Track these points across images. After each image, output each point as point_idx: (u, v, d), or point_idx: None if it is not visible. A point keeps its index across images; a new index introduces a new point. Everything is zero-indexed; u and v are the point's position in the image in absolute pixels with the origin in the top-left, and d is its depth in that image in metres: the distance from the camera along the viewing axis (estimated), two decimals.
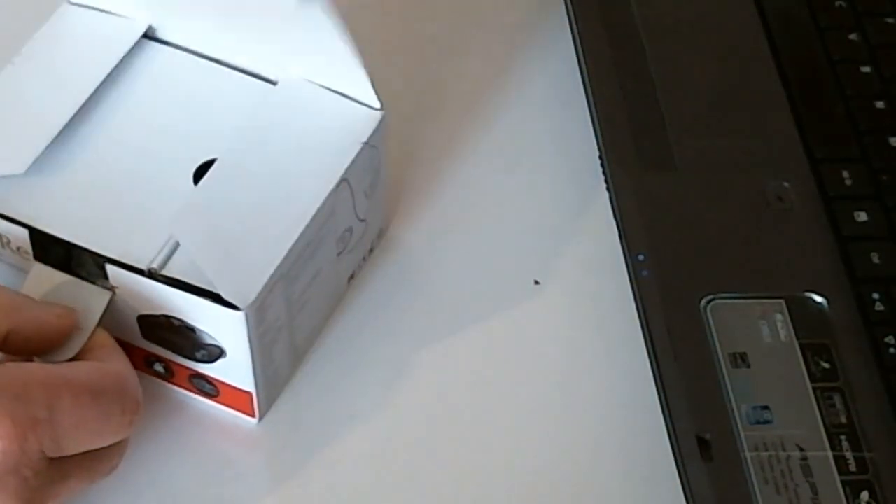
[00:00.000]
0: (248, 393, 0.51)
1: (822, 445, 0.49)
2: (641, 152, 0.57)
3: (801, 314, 0.53)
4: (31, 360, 0.47)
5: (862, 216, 0.56)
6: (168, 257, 0.48)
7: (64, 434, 0.44)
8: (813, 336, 0.52)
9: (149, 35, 0.54)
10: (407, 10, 0.65)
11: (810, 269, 0.54)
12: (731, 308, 0.53)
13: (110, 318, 0.49)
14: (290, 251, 0.48)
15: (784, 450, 0.49)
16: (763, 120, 0.59)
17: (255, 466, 0.52)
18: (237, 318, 0.47)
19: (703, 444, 0.49)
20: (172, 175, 0.51)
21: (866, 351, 0.52)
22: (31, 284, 0.49)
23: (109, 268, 0.48)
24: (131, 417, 0.46)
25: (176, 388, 0.52)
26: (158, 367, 0.52)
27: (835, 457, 0.49)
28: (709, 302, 0.53)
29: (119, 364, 0.47)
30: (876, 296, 0.53)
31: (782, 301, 0.53)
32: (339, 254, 0.53)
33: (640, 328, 0.52)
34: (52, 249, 0.49)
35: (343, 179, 0.50)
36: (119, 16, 0.54)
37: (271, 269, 0.47)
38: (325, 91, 0.52)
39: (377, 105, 0.52)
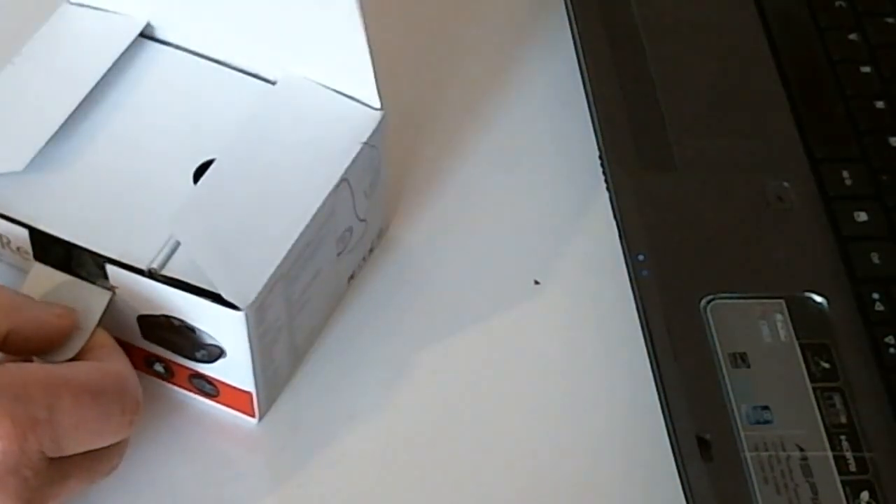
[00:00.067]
0: (248, 393, 0.51)
1: (822, 445, 0.49)
2: (641, 152, 0.57)
3: (801, 314, 0.53)
4: (31, 360, 0.47)
5: (862, 216, 0.56)
6: (168, 257, 0.48)
7: (64, 434, 0.44)
8: (813, 336, 0.52)
9: (148, 35, 0.54)
10: (407, 10, 0.65)
11: (810, 269, 0.54)
12: (731, 308, 0.53)
13: (110, 318, 0.49)
14: (290, 251, 0.48)
15: (784, 450, 0.49)
16: (763, 120, 0.59)
17: (255, 466, 0.52)
18: (237, 318, 0.47)
19: (703, 444, 0.49)
20: (172, 175, 0.51)
21: (866, 351, 0.52)
22: (31, 284, 0.49)
23: (109, 268, 0.48)
24: (131, 417, 0.46)
25: (176, 388, 0.52)
26: (158, 367, 0.52)
27: (835, 457, 0.49)
28: (709, 302, 0.53)
29: (119, 364, 0.47)
30: (876, 296, 0.53)
31: (782, 301, 0.53)
32: (339, 254, 0.53)
33: (640, 328, 0.52)
34: (52, 249, 0.49)
35: (343, 179, 0.50)
36: (119, 14, 0.54)
37: (271, 269, 0.47)
38: (325, 91, 0.52)
39: (377, 105, 0.52)
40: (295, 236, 0.48)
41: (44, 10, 0.55)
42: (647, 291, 0.53)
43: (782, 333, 0.52)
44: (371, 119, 0.52)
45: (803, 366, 0.51)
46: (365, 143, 0.51)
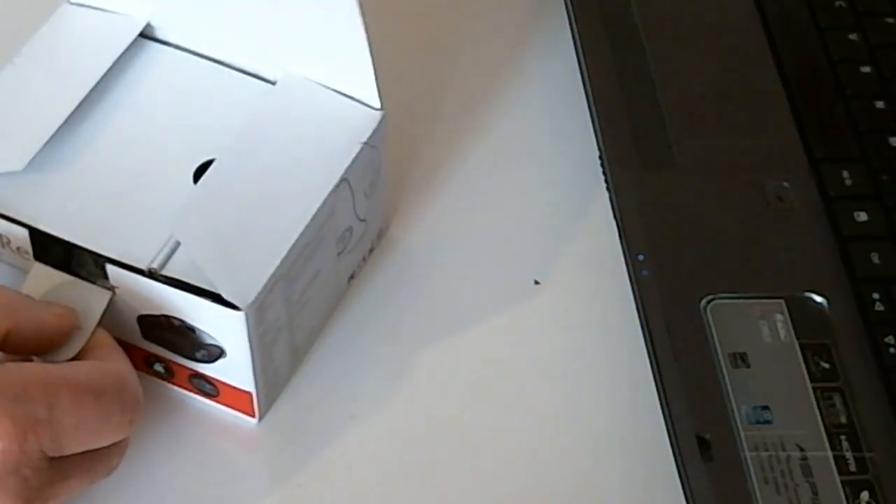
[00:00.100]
0: (248, 393, 0.51)
1: (822, 445, 0.49)
2: (641, 152, 0.57)
3: (801, 314, 0.53)
4: (31, 360, 0.47)
5: (862, 216, 0.56)
6: (168, 257, 0.48)
7: (64, 434, 0.44)
8: (813, 336, 0.52)
9: (148, 35, 0.54)
10: (407, 10, 0.65)
11: (810, 269, 0.54)
12: (731, 308, 0.53)
13: (110, 318, 0.49)
14: (289, 251, 0.48)
15: (784, 450, 0.49)
16: (763, 120, 0.59)
17: (255, 466, 0.52)
18: (237, 317, 0.47)
19: (703, 444, 0.49)
20: (172, 174, 0.51)
21: (866, 351, 0.52)
22: (31, 284, 0.49)
23: (109, 268, 0.48)
24: (131, 417, 0.46)
25: (176, 388, 0.52)
26: (158, 367, 0.52)
27: (835, 457, 0.49)
28: (709, 302, 0.53)
29: (119, 364, 0.47)
30: (876, 296, 0.53)
31: (782, 301, 0.53)
32: (339, 254, 0.53)
33: (640, 328, 0.52)
34: (52, 249, 0.49)
35: (343, 179, 0.50)
36: (119, 14, 0.54)
37: (271, 269, 0.47)
38: (325, 91, 0.52)
39: (377, 105, 0.52)
40: (295, 236, 0.48)
41: (44, 10, 0.55)
42: (647, 291, 0.53)
43: (782, 333, 0.52)
44: (371, 119, 0.52)
45: (803, 366, 0.51)
46: (365, 143, 0.51)
